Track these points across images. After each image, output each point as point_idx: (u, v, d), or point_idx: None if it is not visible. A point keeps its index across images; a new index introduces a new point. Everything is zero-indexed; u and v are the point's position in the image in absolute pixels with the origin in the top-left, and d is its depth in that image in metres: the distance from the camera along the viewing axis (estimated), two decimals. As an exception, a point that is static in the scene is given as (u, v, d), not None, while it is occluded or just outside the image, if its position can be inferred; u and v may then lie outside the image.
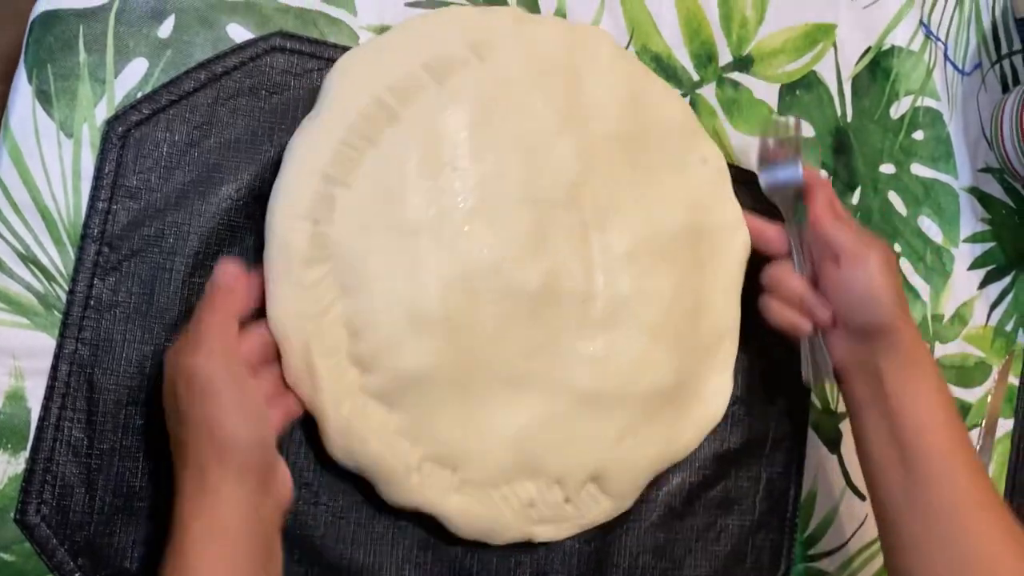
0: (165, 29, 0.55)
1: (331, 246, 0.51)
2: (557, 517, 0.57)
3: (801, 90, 0.72)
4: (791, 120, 0.64)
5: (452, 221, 0.53)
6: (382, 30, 0.60)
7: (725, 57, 0.69)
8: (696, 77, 0.69)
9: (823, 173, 0.71)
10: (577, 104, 0.58)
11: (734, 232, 0.63)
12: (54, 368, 0.51)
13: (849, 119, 0.73)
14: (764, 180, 0.64)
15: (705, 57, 0.69)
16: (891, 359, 0.57)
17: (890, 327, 0.57)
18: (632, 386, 0.58)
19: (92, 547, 0.51)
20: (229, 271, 0.49)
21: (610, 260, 0.58)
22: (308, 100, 0.56)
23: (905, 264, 0.74)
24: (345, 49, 0.58)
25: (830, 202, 0.60)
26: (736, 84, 0.70)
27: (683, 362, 0.60)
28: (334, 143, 0.52)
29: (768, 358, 0.67)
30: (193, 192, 0.54)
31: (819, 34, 0.73)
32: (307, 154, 0.52)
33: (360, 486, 0.56)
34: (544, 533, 0.58)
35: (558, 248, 0.56)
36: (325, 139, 0.52)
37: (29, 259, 0.52)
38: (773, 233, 0.62)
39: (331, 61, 0.57)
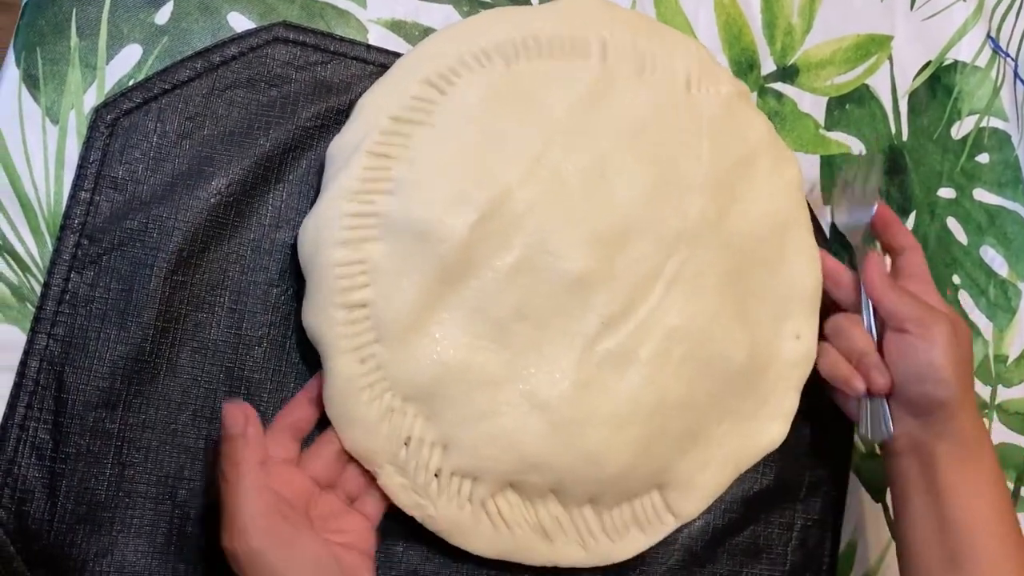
0: (163, 15, 0.53)
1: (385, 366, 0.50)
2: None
3: (851, 104, 0.66)
4: (876, 159, 0.62)
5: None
6: (393, 24, 0.57)
7: (768, 66, 0.65)
8: (736, 86, 0.64)
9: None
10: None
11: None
12: (23, 364, 0.48)
13: (904, 138, 0.67)
14: (840, 219, 0.61)
15: (746, 64, 0.64)
16: (949, 445, 0.53)
17: (950, 407, 0.52)
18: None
19: (51, 558, 0.48)
20: (237, 417, 0.46)
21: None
22: (309, 94, 0.53)
23: (965, 298, 0.67)
24: (352, 43, 0.55)
25: (884, 270, 0.56)
26: (780, 95, 0.65)
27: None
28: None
29: (809, 396, 0.61)
30: (181, 185, 0.51)
31: (873, 45, 0.68)
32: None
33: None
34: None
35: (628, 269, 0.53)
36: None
37: (4, 249, 0.49)
38: (847, 280, 0.58)
39: (336, 55, 0.54)
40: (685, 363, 0.53)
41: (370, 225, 0.49)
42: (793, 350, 0.57)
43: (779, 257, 0.57)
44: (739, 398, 0.56)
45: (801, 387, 0.57)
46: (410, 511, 0.50)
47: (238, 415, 0.45)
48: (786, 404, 0.57)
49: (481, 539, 0.51)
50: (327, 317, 0.48)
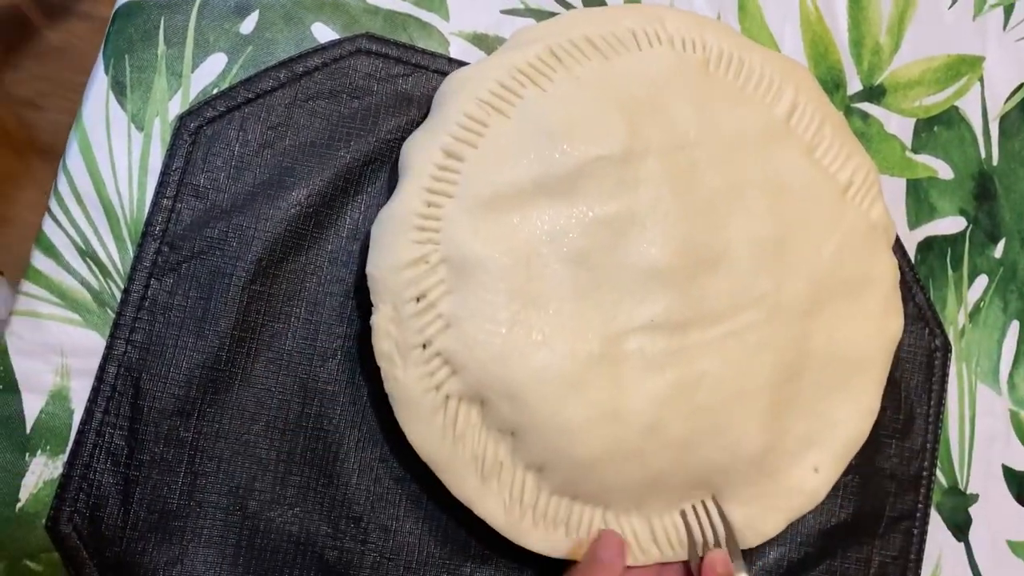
0: (248, 25, 0.53)
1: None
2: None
3: (940, 127, 0.64)
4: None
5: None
6: (475, 37, 0.56)
7: (854, 85, 0.63)
8: (820, 106, 0.62)
9: (962, 221, 0.63)
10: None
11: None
12: (101, 369, 0.49)
13: (995, 162, 0.65)
14: None
15: (832, 84, 0.62)
16: None
17: None
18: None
19: (122, 565, 0.48)
20: (612, 546, 0.48)
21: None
22: (390, 106, 0.53)
23: (1056, 331, 0.64)
24: (434, 55, 0.54)
25: None
26: (865, 115, 0.63)
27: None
28: None
29: (889, 425, 0.59)
30: (262, 195, 0.51)
31: (963, 66, 0.65)
32: None
33: (418, 526, 0.51)
34: None
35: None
36: None
37: (87, 254, 0.50)
38: None
39: (418, 67, 0.54)
40: (696, 415, 0.50)
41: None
42: (803, 479, 0.54)
43: (837, 389, 0.54)
44: (728, 483, 0.52)
45: (790, 519, 0.54)
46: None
47: (614, 544, 0.48)
48: (768, 525, 0.53)
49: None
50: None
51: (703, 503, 0.52)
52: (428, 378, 0.48)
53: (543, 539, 0.49)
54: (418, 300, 0.48)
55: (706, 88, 0.53)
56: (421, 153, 0.49)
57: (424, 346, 0.48)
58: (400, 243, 0.48)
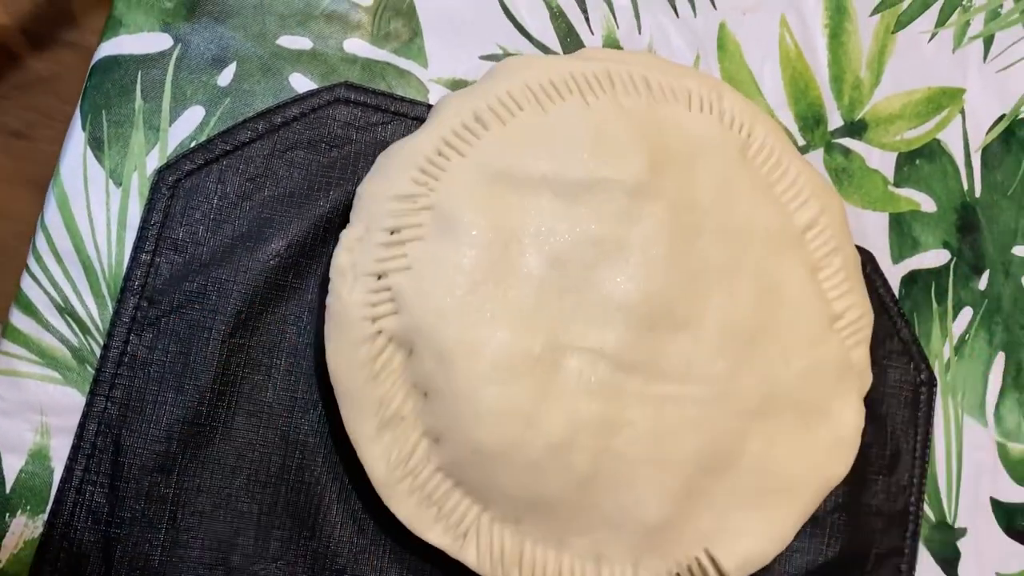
0: (225, 77, 0.53)
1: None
2: None
3: (922, 160, 0.64)
4: None
5: None
6: (454, 83, 0.56)
7: (835, 121, 0.63)
8: (802, 141, 0.62)
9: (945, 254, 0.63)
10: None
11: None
12: (81, 427, 0.48)
13: (977, 194, 0.65)
14: None
15: (812, 120, 0.62)
16: None
17: None
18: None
19: (105, 624, 0.48)
20: None
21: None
22: (370, 155, 0.53)
23: (1041, 362, 0.64)
24: (412, 103, 0.54)
25: None
26: (847, 151, 0.63)
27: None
28: None
29: (875, 462, 0.59)
30: (241, 247, 0.51)
31: (944, 99, 0.65)
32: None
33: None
34: None
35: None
36: None
37: (66, 311, 0.49)
38: None
39: (396, 115, 0.54)
40: (606, 457, 0.50)
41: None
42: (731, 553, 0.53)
43: (757, 503, 0.53)
44: (610, 541, 0.51)
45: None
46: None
47: None
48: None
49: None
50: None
51: (697, 560, 0.52)
52: (370, 307, 0.48)
53: (412, 512, 0.48)
54: (392, 233, 0.49)
55: (737, 169, 0.54)
56: (453, 107, 0.51)
57: (379, 277, 0.48)
58: (399, 176, 0.49)
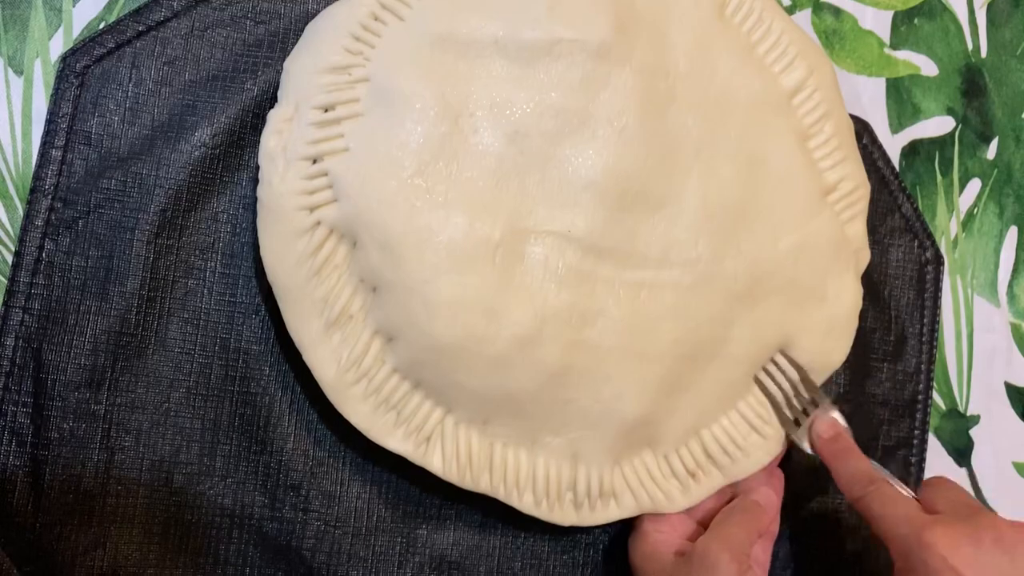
0: (134, -52, 0.47)
1: None
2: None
3: (920, 19, 0.59)
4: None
5: None
6: (392, -52, 0.50)
7: (823, -23, 0.57)
8: (788, 2, 0.57)
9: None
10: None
11: None
12: (-4, 342, 0.44)
13: (983, 55, 0.60)
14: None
15: (798, -24, 0.57)
16: None
17: None
18: None
19: (39, 552, 0.44)
20: (771, 498, 0.47)
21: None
22: (300, 30, 0.48)
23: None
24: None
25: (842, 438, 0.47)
26: (837, 11, 0.57)
27: None
28: None
29: (880, 347, 0.54)
30: (162, 138, 0.46)
31: (945, -51, 0.60)
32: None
33: (365, 489, 0.48)
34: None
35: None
36: None
37: (-30, 215, 0.45)
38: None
39: (329, -16, 0.49)
40: (578, 350, 0.46)
41: None
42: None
43: (743, 395, 0.49)
44: (588, 439, 0.47)
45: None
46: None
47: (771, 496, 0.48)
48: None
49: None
50: None
51: (773, 361, 0.49)
52: (306, 196, 0.44)
53: (368, 417, 0.45)
54: (325, 111, 0.44)
55: (715, 29, 0.49)
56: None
57: (314, 161, 0.44)
58: (328, 45, 0.45)
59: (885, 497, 0.43)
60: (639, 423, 0.47)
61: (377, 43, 0.45)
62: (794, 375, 0.49)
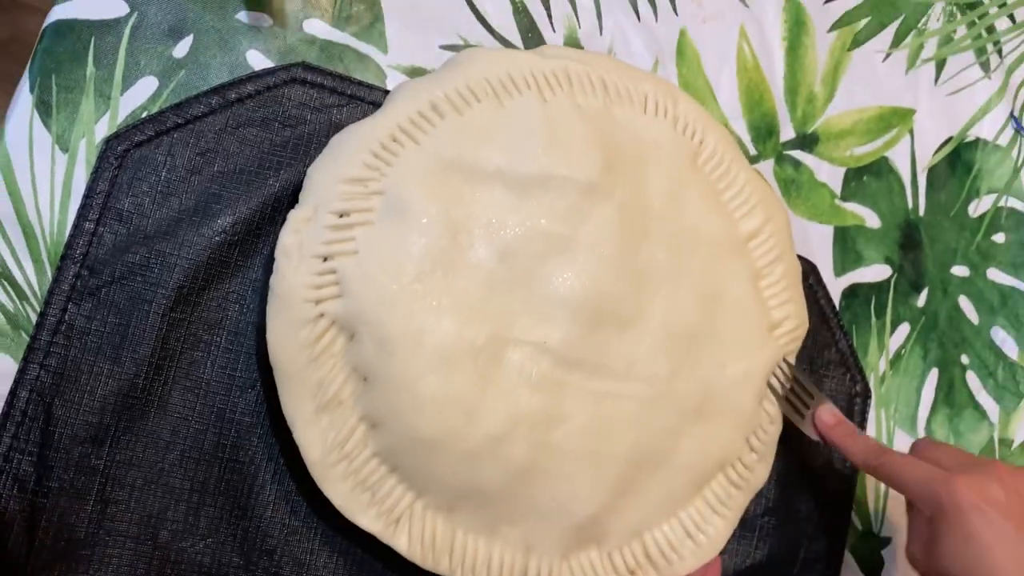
0: (181, 49, 0.52)
1: None
2: None
3: (869, 176, 0.66)
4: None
5: None
6: (413, 71, 0.56)
7: (787, 133, 0.64)
8: (754, 151, 0.63)
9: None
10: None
11: None
12: (12, 394, 0.48)
13: (921, 213, 0.67)
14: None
15: (765, 131, 0.63)
16: None
17: None
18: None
19: (27, 593, 0.47)
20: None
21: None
22: (323, 136, 0.53)
23: (972, 379, 0.66)
24: (370, 87, 0.54)
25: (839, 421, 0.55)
26: (797, 163, 0.64)
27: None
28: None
29: (806, 469, 0.60)
30: (187, 221, 0.50)
31: (895, 118, 0.67)
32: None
33: (332, 559, 0.51)
34: None
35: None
36: None
37: (3, 276, 0.49)
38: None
39: (352, 98, 0.54)
40: (543, 450, 0.51)
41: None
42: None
43: (686, 503, 0.55)
44: (541, 533, 0.52)
45: None
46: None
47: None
48: None
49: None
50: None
51: (779, 367, 0.56)
52: (314, 289, 0.48)
53: (346, 496, 0.49)
54: (340, 216, 0.49)
55: (688, 175, 0.55)
56: (410, 94, 0.51)
57: (325, 259, 0.48)
58: (351, 158, 0.49)
59: (902, 463, 0.50)
60: (589, 521, 0.51)
61: (394, 161, 0.50)
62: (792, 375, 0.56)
